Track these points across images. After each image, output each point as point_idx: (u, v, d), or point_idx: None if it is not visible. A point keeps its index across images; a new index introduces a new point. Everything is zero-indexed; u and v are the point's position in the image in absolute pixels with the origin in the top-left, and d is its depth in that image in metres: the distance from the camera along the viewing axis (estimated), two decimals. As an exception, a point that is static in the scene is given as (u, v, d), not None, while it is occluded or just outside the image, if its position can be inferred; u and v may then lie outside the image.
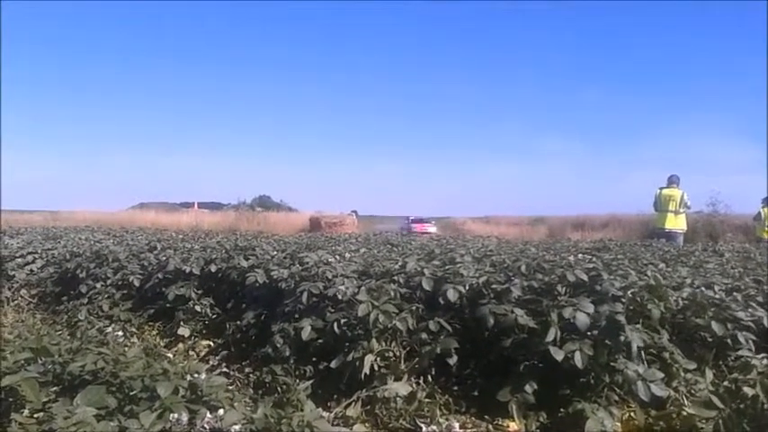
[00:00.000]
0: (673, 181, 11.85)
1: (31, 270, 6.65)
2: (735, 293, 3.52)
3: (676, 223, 11.64)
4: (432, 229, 32.50)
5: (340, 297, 3.43)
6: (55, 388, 2.40)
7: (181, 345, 4.19)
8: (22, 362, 2.48)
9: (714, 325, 2.93)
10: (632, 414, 2.53)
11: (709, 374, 2.76)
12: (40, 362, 2.55)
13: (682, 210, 11.67)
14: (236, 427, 1.99)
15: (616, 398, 2.57)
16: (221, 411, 2.03)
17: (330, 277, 3.85)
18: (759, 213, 13.19)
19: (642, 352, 2.69)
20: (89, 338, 3.45)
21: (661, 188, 11.87)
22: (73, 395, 2.17)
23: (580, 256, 4.97)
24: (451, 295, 3.26)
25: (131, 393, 2.22)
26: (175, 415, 2.00)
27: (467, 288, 3.34)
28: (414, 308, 3.24)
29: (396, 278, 3.74)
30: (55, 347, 2.72)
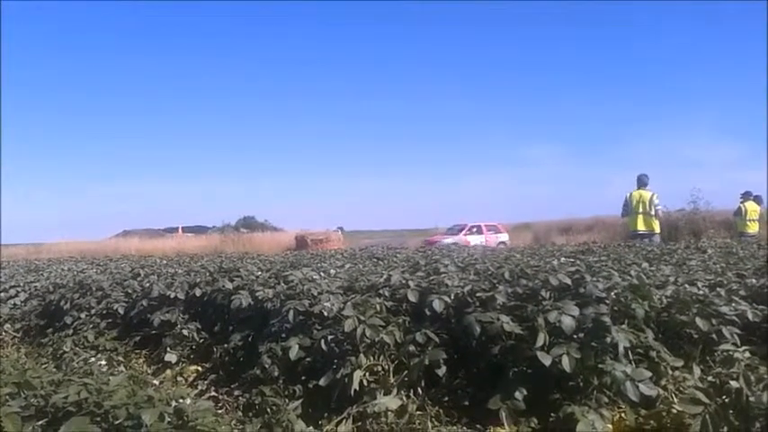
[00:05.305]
0: (643, 182, 11.27)
1: (15, 304, 6.54)
2: (718, 289, 3.56)
3: (648, 225, 11.13)
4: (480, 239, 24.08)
5: (326, 313, 3.42)
6: (39, 422, 2.36)
7: (168, 371, 4.13)
8: (6, 397, 2.44)
9: (699, 321, 2.96)
10: (623, 415, 2.53)
11: (697, 370, 2.78)
12: (22, 396, 2.51)
13: (652, 212, 11.08)
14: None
15: (606, 399, 2.57)
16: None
17: (315, 294, 3.83)
18: (739, 209, 13.35)
19: (629, 352, 2.70)
20: (73, 369, 3.40)
21: (632, 191, 11.28)
22: (57, 428, 2.13)
23: (563, 259, 5.00)
24: (437, 306, 3.25)
25: (116, 423, 2.19)
26: (162, 442, 1.97)
27: (452, 298, 3.34)
28: (400, 320, 3.23)
29: (381, 292, 3.74)
30: (38, 380, 2.67)
